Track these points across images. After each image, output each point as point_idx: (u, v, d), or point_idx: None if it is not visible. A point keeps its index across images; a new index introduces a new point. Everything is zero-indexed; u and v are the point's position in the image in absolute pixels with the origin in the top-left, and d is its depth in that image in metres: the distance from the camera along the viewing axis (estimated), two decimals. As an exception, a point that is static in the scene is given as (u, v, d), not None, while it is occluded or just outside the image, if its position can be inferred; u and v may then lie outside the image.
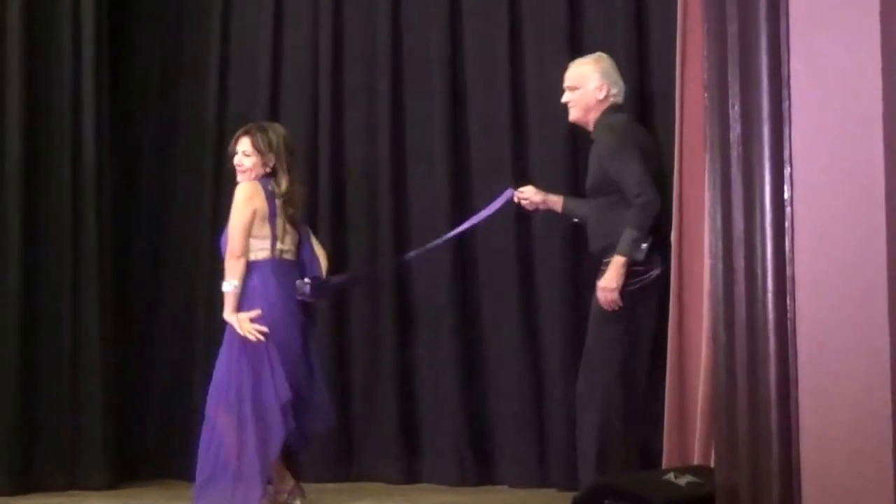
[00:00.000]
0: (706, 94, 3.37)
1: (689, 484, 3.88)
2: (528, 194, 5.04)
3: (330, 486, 5.72)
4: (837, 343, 2.99)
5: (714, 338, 3.43)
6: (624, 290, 4.58)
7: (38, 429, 5.72)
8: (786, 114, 3.06)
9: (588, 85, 4.80)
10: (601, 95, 4.78)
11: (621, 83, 4.85)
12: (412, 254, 5.34)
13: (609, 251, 4.64)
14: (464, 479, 5.60)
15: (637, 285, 4.61)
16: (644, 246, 4.55)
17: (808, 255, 3.04)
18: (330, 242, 5.76)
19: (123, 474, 5.93)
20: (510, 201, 5.06)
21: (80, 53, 5.87)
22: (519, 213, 5.33)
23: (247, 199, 4.96)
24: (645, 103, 5.30)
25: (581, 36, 5.49)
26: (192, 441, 5.95)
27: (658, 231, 4.63)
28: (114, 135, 6.05)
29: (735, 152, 3.23)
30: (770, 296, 3.16)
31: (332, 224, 5.89)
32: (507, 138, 5.59)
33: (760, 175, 3.14)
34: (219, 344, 5.97)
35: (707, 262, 3.63)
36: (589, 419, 4.65)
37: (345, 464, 5.84)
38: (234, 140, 5.08)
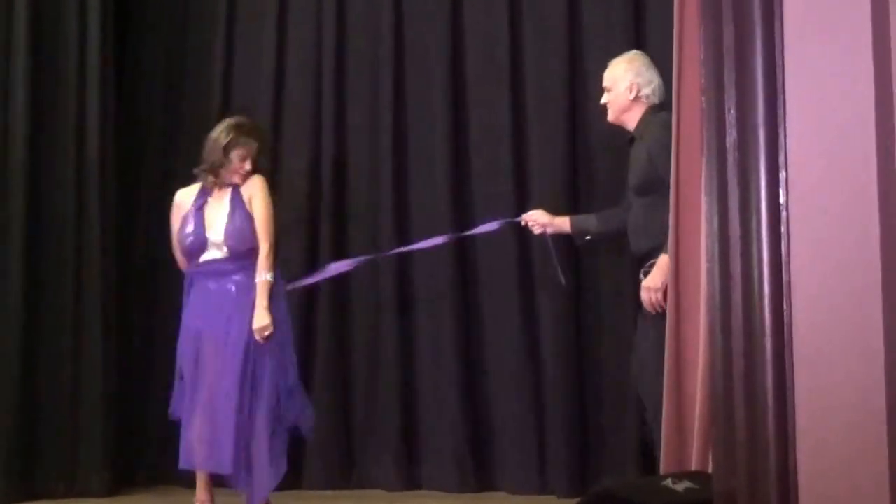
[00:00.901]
0: (703, 99, 3.40)
1: (686, 490, 3.90)
2: (536, 216, 5.02)
3: (330, 493, 5.75)
4: (833, 347, 3.02)
5: (711, 342, 3.46)
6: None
7: (37, 434, 5.76)
8: (781, 119, 3.09)
9: (619, 86, 4.82)
10: (632, 96, 4.80)
11: (657, 81, 4.83)
12: (358, 260, 5.33)
13: (655, 252, 4.64)
14: (464, 485, 5.64)
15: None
16: None
17: (803, 259, 3.07)
18: (331, 238, 5.79)
19: (123, 480, 5.99)
20: (512, 223, 5.05)
21: (85, 48, 5.94)
22: (519, 228, 5.34)
23: (268, 191, 5.04)
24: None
25: (580, 42, 5.52)
26: None
27: None
28: (118, 130, 6.10)
29: (731, 157, 3.26)
30: (766, 300, 3.18)
31: (334, 220, 5.92)
32: (507, 137, 5.64)
33: (756, 180, 3.17)
34: None
35: (703, 266, 3.66)
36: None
37: (345, 471, 5.85)
38: (243, 141, 5.08)
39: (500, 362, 5.65)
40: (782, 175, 3.10)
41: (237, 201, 5.01)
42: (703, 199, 3.53)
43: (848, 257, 2.96)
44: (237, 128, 5.12)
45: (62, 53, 5.93)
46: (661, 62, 5.02)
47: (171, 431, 6.10)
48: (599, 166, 5.55)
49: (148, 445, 6.23)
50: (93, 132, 5.91)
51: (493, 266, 5.67)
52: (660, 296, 4.57)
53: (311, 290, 5.92)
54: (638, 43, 5.34)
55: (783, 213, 3.11)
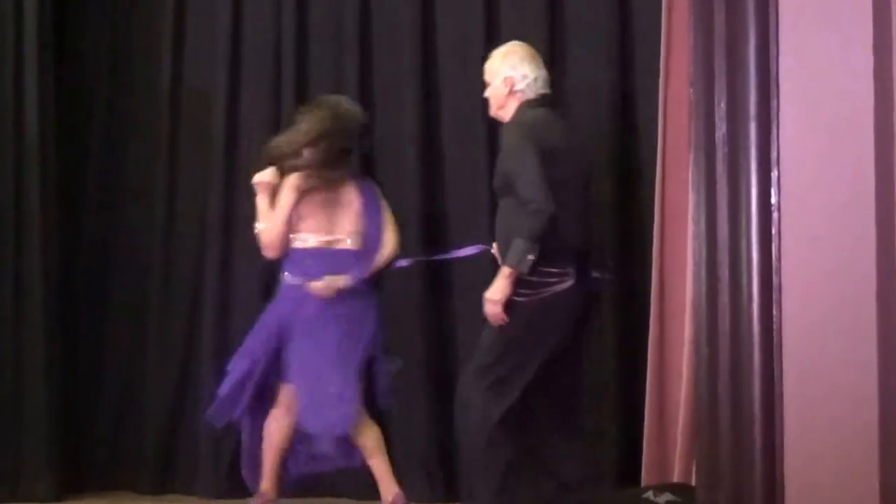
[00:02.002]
0: (691, 91, 3.38)
1: (668, 503, 3.90)
2: None
3: (295, 500, 5.72)
4: (825, 357, 3.02)
5: (696, 349, 3.45)
6: (516, 302, 4.45)
7: None
8: (774, 113, 3.08)
9: (495, 80, 4.73)
10: (506, 90, 4.69)
11: (534, 74, 4.69)
12: None
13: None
14: (433, 495, 5.60)
15: (536, 296, 4.46)
16: (530, 258, 4.37)
17: (795, 263, 3.07)
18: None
19: (70, 485, 5.86)
20: (485, 251, 5.02)
21: (21, 24, 5.79)
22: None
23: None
24: (627, 100, 5.28)
25: (562, 28, 5.48)
26: (145, 449, 6.01)
27: (564, 241, 4.46)
28: (59, 115, 5.94)
29: (721, 153, 3.25)
30: (755, 306, 3.19)
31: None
32: (480, 122, 5.54)
33: (747, 178, 3.17)
34: (173, 346, 6.05)
35: (690, 268, 3.64)
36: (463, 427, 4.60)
37: (309, 479, 5.79)
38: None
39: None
40: (774, 173, 3.10)
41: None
42: (690, 197, 3.51)
43: (842, 261, 2.96)
44: None
45: None
46: (647, 50, 4.99)
47: (121, 435, 6.10)
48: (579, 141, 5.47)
49: (97, 449, 6.10)
50: (31, 118, 5.75)
51: (466, 274, 5.60)
52: (500, 308, 4.44)
53: (271, 295, 5.87)
54: (623, 29, 5.30)
55: (774, 214, 3.11)
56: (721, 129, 3.24)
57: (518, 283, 4.40)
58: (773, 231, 3.12)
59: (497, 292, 4.42)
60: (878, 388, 2.90)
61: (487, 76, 4.75)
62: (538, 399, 4.50)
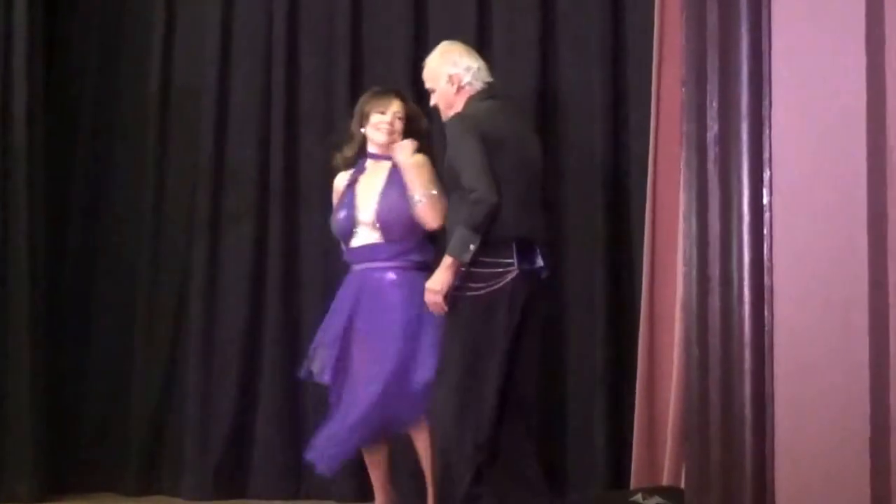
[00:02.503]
0: (683, 90, 3.36)
1: (657, 506, 3.90)
2: None
3: (277, 503, 5.71)
4: (816, 359, 3.00)
5: (686, 351, 3.43)
6: (469, 297, 4.45)
7: None
8: (766, 113, 3.07)
9: (440, 83, 4.72)
10: (454, 88, 4.69)
11: (476, 64, 4.72)
12: None
13: None
14: (419, 496, 5.58)
15: (483, 290, 4.45)
16: (472, 247, 4.36)
17: (787, 264, 3.05)
18: (281, 229, 5.72)
19: (54, 486, 5.86)
20: None
21: (10, 24, 5.80)
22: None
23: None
24: (619, 99, 5.28)
25: (554, 26, 5.47)
26: (129, 451, 6.00)
27: (510, 231, 4.46)
28: (47, 116, 5.95)
29: (712, 153, 3.23)
30: (747, 307, 3.17)
31: (285, 211, 5.84)
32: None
33: (738, 178, 3.15)
34: (159, 347, 6.04)
35: (680, 269, 3.63)
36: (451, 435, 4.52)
37: (293, 480, 5.79)
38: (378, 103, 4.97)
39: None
40: (766, 174, 3.09)
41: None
42: (682, 197, 3.51)
43: (834, 262, 2.95)
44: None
45: None
46: (640, 48, 4.97)
47: (106, 436, 6.09)
48: (567, 160, 5.46)
49: (82, 451, 6.11)
50: (19, 118, 5.76)
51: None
52: (440, 298, 4.44)
53: (259, 296, 5.90)
54: (615, 27, 5.29)
55: (766, 214, 3.10)
56: (713, 129, 3.22)
57: (469, 277, 4.41)
58: (765, 231, 3.10)
59: (438, 283, 4.44)
60: (870, 390, 2.89)
61: (429, 83, 4.75)
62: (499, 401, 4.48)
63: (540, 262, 4.52)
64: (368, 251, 4.88)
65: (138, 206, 6.11)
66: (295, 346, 5.78)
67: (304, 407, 5.80)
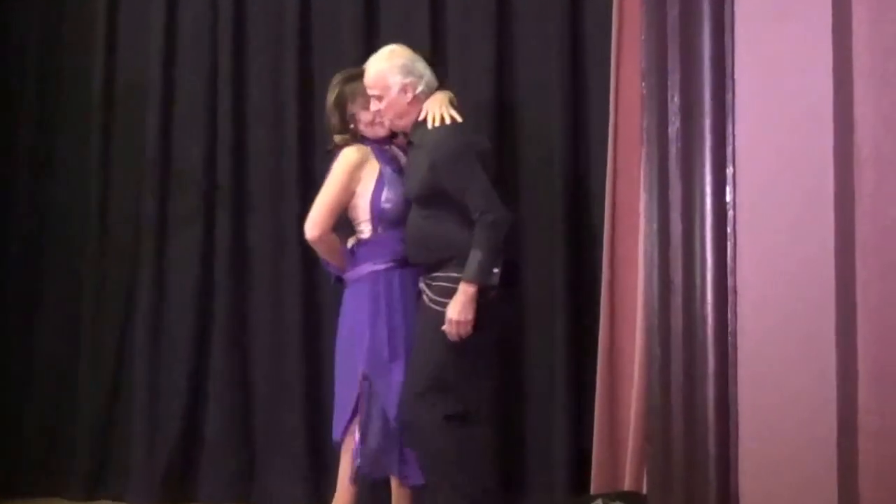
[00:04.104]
0: (643, 84, 3.32)
1: (619, 512, 3.88)
2: None
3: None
4: (782, 361, 2.98)
5: (648, 353, 3.40)
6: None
7: None
8: (729, 107, 3.02)
9: (391, 92, 4.57)
10: (408, 98, 4.57)
11: (427, 73, 4.62)
12: None
13: (444, 267, 4.45)
14: (374, 501, 5.52)
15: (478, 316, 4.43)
16: (496, 271, 4.36)
17: (751, 263, 3.02)
18: (230, 230, 5.67)
19: (1, 489, 5.77)
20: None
21: None
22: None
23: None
24: (577, 93, 5.23)
25: (510, 20, 5.40)
26: (76, 455, 5.92)
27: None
28: None
29: (674, 148, 3.18)
30: (710, 308, 3.13)
31: (234, 212, 5.77)
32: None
33: (701, 175, 3.11)
34: (105, 352, 5.95)
35: (641, 270, 3.58)
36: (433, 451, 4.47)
37: (245, 483, 5.73)
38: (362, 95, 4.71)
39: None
40: (729, 170, 3.05)
41: None
42: (642, 195, 3.44)
43: (799, 261, 2.92)
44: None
45: None
46: (598, 42, 4.91)
47: (52, 441, 6.00)
48: (525, 157, 5.39)
49: (27, 455, 5.99)
50: None
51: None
52: (469, 328, 4.36)
53: (207, 298, 5.78)
54: (573, 20, 5.24)
55: (729, 213, 3.06)
56: (674, 125, 3.18)
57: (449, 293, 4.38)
58: (729, 230, 3.06)
59: (466, 312, 4.36)
60: (837, 393, 2.86)
61: (378, 90, 4.58)
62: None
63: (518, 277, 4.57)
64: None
65: (84, 206, 6.02)
66: (244, 347, 5.74)
67: (253, 410, 5.75)
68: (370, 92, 4.60)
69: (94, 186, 5.97)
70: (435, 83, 4.61)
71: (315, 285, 5.66)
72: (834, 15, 2.71)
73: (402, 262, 4.59)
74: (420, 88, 4.55)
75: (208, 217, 5.79)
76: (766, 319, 2.98)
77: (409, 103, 4.56)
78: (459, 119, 4.51)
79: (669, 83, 3.18)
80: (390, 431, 4.55)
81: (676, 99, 3.16)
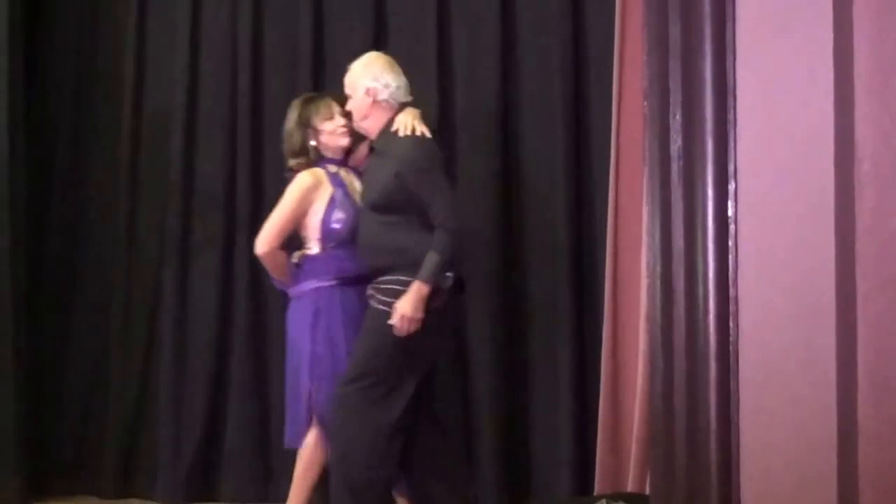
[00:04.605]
0: (645, 103, 3.21)
1: (622, 513, 3.79)
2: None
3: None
4: (782, 370, 2.86)
5: (651, 362, 3.29)
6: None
7: None
8: (731, 125, 2.92)
9: (357, 92, 4.63)
10: (369, 101, 4.61)
11: (395, 83, 4.62)
12: None
13: (394, 271, 4.43)
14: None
15: (428, 318, 4.42)
16: (449, 274, 4.38)
17: (752, 275, 2.90)
18: (250, 248, 5.59)
19: (36, 490, 5.75)
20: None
21: None
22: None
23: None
24: (580, 110, 5.18)
25: (515, 38, 5.34)
26: (106, 455, 5.88)
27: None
28: (27, 133, 5.91)
29: (676, 165, 3.09)
30: (711, 318, 3.02)
31: (253, 228, 5.67)
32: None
33: (703, 190, 3.01)
34: (134, 354, 5.91)
35: (644, 281, 3.48)
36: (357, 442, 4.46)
37: (264, 483, 5.70)
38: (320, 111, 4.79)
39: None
40: (731, 186, 2.94)
41: None
42: (644, 209, 3.34)
43: (800, 274, 2.80)
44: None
45: None
46: (601, 60, 4.83)
47: (84, 441, 5.98)
48: (530, 172, 5.34)
49: (62, 455, 5.98)
50: (2, 136, 5.72)
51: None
52: (417, 325, 4.35)
53: (228, 307, 5.77)
54: (576, 39, 5.18)
55: (731, 226, 2.95)
56: (676, 142, 3.07)
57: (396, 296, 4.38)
58: (730, 243, 2.96)
59: (416, 310, 4.35)
60: (837, 401, 2.75)
61: (348, 89, 4.65)
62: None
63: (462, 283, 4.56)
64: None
65: (114, 221, 6.03)
66: (262, 355, 5.72)
67: (270, 415, 5.70)
68: (346, 91, 4.68)
69: (123, 205, 5.98)
70: (402, 97, 4.62)
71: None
72: (835, 33, 2.60)
73: (346, 281, 4.64)
74: (382, 96, 4.58)
75: (229, 233, 5.79)
76: (766, 328, 2.88)
77: (370, 106, 4.59)
78: (429, 134, 4.53)
79: (671, 101, 3.08)
80: None
81: (679, 117, 3.06)
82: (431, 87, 5.43)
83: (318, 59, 5.73)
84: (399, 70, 4.67)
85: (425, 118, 4.63)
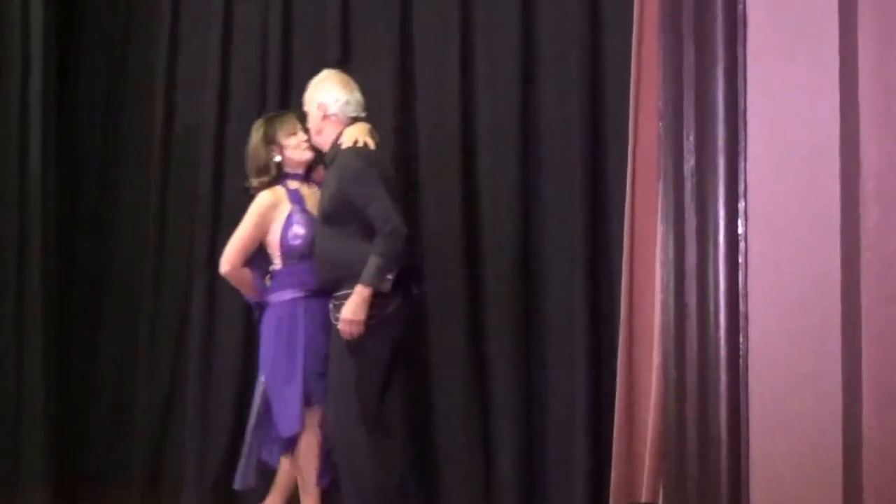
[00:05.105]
0: (660, 124, 3.25)
1: (635, 522, 3.78)
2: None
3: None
4: (790, 384, 2.89)
5: (664, 375, 3.32)
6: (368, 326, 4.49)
7: None
8: (741, 145, 2.96)
9: (312, 107, 4.75)
10: (321, 115, 4.71)
11: (345, 98, 4.74)
12: None
13: (345, 283, 4.52)
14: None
15: (373, 320, 4.51)
16: (390, 277, 4.44)
17: (761, 291, 2.93)
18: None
19: (65, 495, 5.83)
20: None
21: (27, 69, 5.85)
22: (475, 264, 5.35)
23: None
24: (598, 130, 5.19)
25: (535, 58, 5.38)
26: (133, 463, 5.91)
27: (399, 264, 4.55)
28: (59, 151, 5.99)
29: (689, 184, 3.12)
30: (722, 333, 3.05)
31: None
32: (457, 147, 5.47)
33: (714, 209, 3.04)
34: (161, 364, 5.95)
35: (658, 295, 3.51)
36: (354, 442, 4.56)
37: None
38: (285, 127, 4.90)
39: (447, 389, 5.47)
40: (741, 204, 2.97)
41: None
42: (659, 227, 3.39)
43: (806, 289, 2.83)
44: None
45: (5, 74, 5.87)
46: (619, 81, 4.87)
47: (111, 449, 6.01)
48: (549, 171, 5.38)
49: (89, 463, 6.07)
50: (35, 154, 5.84)
51: (439, 297, 5.49)
52: (360, 327, 4.46)
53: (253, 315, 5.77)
54: (594, 60, 5.22)
55: (741, 243, 2.98)
56: (690, 162, 3.11)
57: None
58: (741, 260, 2.99)
59: (357, 312, 4.43)
60: (842, 415, 2.78)
61: (305, 105, 4.76)
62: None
63: (415, 289, 4.67)
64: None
65: (143, 232, 6.09)
66: None
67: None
68: (304, 108, 4.79)
69: (152, 218, 6.04)
70: (353, 112, 4.72)
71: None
72: (841, 57, 2.64)
73: (311, 293, 4.73)
74: (332, 110, 4.69)
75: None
76: (775, 343, 2.90)
77: (322, 121, 4.70)
78: (372, 146, 4.62)
79: (685, 122, 3.12)
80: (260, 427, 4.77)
81: (692, 138, 3.10)
82: (454, 105, 5.49)
83: (344, 69, 5.69)
84: (353, 86, 4.77)
85: (374, 133, 4.72)
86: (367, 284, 4.42)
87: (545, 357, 5.30)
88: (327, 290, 4.61)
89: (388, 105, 5.55)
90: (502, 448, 5.33)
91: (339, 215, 4.55)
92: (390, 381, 4.71)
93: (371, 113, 5.53)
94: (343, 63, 5.65)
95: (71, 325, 6.09)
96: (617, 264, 4.84)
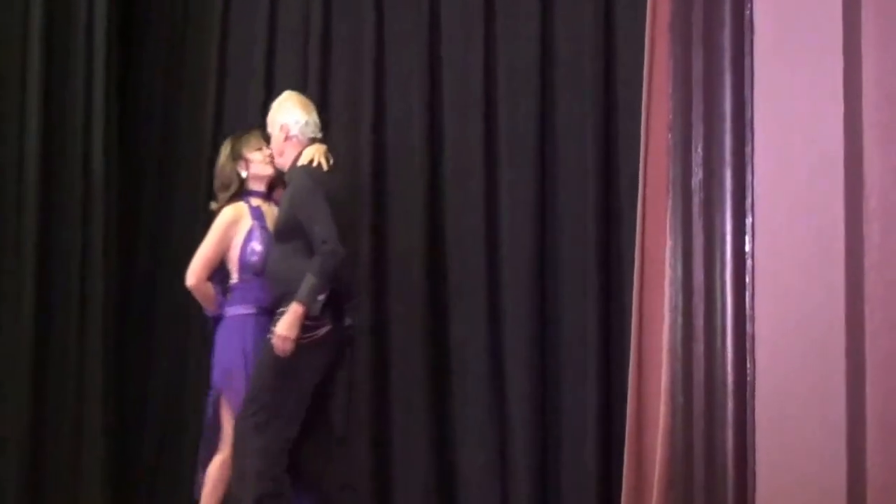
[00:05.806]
0: (670, 135, 3.16)
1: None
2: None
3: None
4: (796, 409, 2.76)
5: (671, 399, 3.24)
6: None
7: (41, 465, 5.63)
8: (748, 158, 2.85)
9: (275, 129, 4.78)
10: (283, 136, 4.74)
11: (304, 119, 4.76)
12: None
13: (287, 299, 4.48)
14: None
15: (305, 340, 4.47)
16: (320, 298, 4.43)
17: (767, 311, 2.81)
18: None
19: (120, 500, 5.85)
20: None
21: (91, 84, 5.93)
22: (490, 280, 5.33)
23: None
24: (610, 143, 5.15)
25: (552, 74, 5.35)
26: (182, 474, 5.87)
27: (333, 288, 4.51)
28: (120, 160, 6.10)
29: (697, 198, 3.04)
30: (729, 355, 2.97)
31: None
32: (481, 171, 5.46)
33: (721, 225, 2.97)
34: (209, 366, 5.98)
35: (666, 315, 3.38)
36: (248, 464, 4.53)
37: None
38: (251, 143, 4.95)
39: (465, 406, 5.41)
40: (748, 220, 2.86)
41: None
42: (668, 242, 3.27)
43: (812, 311, 2.69)
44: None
45: (72, 72, 5.91)
46: (632, 95, 4.77)
47: (166, 454, 6.01)
48: (567, 197, 5.31)
49: (145, 470, 6.01)
50: (97, 164, 5.88)
51: (461, 308, 5.45)
52: (291, 344, 4.41)
53: None
54: (607, 75, 5.19)
55: (748, 261, 2.87)
56: (698, 175, 3.04)
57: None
58: (747, 279, 2.87)
59: (291, 329, 4.42)
60: (846, 440, 2.62)
61: (269, 127, 4.80)
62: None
63: (349, 319, 4.65)
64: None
65: (195, 237, 6.02)
66: None
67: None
68: (268, 129, 4.85)
69: (200, 217, 5.89)
70: (311, 133, 4.75)
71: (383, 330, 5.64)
72: (845, 71, 2.52)
73: (262, 311, 4.74)
74: (294, 131, 4.73)
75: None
76: (781, 366, 2.77)
77: (284, 142, 4.74)
78: (325, 167, 4.64)
79: (693, 134, 3.04)
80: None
81: (700, 150, 3.02)
82: (477, 119, 5.47)
83: (379, 85, 5.79)
84: (312, 108, 4.84)
85: (329, 155, 4.73)
86: (300, 302, 4.42)
87: (558, 380, 5.26)
88: (276, 308, 4.62)
89: (418, 129, 5.62)
90: (519, 468, 5.27)
91: (288, 232, 4.58)
92: (323, 406, 4.73)
93: (403, 130, 5.56)
94: (377, 88, 5.72)
95: (127, 335, 6.12)
96: (629, 281, 4.71)
